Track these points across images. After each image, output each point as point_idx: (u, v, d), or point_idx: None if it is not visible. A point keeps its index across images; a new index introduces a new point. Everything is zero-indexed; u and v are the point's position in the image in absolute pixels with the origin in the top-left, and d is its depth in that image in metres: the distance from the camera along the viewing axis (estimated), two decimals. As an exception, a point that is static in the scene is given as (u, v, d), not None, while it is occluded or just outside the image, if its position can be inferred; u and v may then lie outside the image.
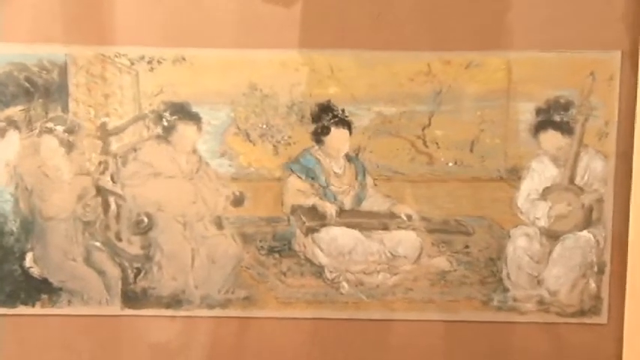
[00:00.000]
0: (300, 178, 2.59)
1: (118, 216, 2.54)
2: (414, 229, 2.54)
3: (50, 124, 2.49)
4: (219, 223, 2.54)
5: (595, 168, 2.47)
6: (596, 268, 2.50)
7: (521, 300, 2.55)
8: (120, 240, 2.55)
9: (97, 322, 2.56)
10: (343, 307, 2.56)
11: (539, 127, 2.51)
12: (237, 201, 2.54)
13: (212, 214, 2.53)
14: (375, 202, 2.62)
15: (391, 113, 2.57)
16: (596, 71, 2.42)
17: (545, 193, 2.54)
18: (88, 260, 2.55)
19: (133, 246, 2.55)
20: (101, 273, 2.56)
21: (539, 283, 2.55)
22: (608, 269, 2.49)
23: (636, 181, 2.39)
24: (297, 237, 2.55)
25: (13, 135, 2.46)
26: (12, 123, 2.54)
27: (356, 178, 2.62)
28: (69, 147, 2.52)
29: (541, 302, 2.55)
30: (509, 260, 2.54)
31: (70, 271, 2.55)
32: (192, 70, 2.56)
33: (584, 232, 2.50)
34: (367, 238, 2.55)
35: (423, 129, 2.58)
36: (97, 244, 2.55)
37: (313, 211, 2.55)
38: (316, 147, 2.61)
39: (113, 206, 2.54)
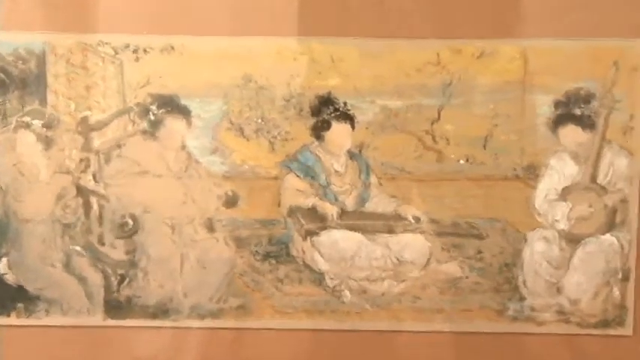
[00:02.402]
0: (298, 176, 2.55)
1: (100, 218, 2.55)
2: (422, 232, 2.53)
3: (27, 119, 2.49)
4: (210, 226, 2.55)
5: (619, 165, 2.47)
6: (620, 275, 2.50)
7: (539, 309, 2.55)
8: (102, 244, 2.56)
9: (78, 333, 2.56)
10: (345, 317, 2.56)
11: (558, 122, 2.50)
12: (230, 202, 2.54)
13: (203, 215, 2.53)
14: (379, 202, 2.58)
15: (397, 107, 2.53)
16: (619, 60, 2.42)
17: (565, 193, 2.54)
18: (67, 266, 2.55)
19: (116, 251, 2.55)
20: (82, 280, 2.56)
21: (559, 290, 2.54)
22: (633, 276, 2.48)
23: (664, 179, 2.44)
24: (295, 241, 2.55)
25: (-15, 130, 2.37)
26: (-15, 117, 2.59)
27: (359, 177, 2.58)
28: (47, 143, 2.51)
29: (560, 312, 2.54)
30: (526, 266, 2.54)
31: (48, 278, 2.55)
32: (181, 59, 2.52)
33: (607, 236, 2.50)
34: (371, 241, 2.55)
35: (432, 124, 2.54)
36: (78, 248, 2.55)
37: (313, 213, 2.55)
38: (316, 143, 2.56)
39: (95, 207, 2.54)
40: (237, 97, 2.52)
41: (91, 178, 2.53)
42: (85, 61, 2.52)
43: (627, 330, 2.50)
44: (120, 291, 2.57)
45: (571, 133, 2.51)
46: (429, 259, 2.55)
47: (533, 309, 2.55)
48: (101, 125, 2.55)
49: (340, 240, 2.54)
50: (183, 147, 2.52)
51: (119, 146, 2.53)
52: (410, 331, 2.55)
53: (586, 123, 2.49)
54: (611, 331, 2.50)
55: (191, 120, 2.51)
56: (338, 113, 2.51)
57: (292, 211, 2.55)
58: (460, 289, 2.56)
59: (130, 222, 2.54)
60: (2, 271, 2.53)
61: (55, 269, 2.55)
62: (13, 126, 2.48)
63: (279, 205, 2.55)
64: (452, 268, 2.56)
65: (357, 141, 2.55)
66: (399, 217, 2.55)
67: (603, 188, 2.50)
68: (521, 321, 2.54)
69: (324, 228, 2.54)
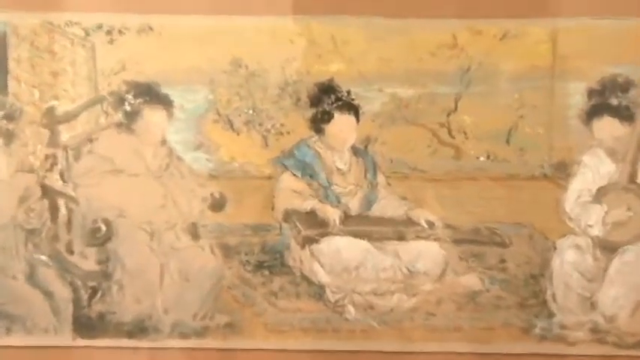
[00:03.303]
0: (295, 175, 2.52)
1: (68, 223, 2.51)
2: (436, 239, 2.50)
3: (-16, 109, 2.49)
4: (194, 232, 2.52)
5: (662, 163, 2.47)
6: (662, 288, 2.43)
7: (571, 327, 2.48)
8: (71, 253, 2.52)
9: (44, 354, 2.52)
10: (349, 337, 2.49)
11: (592, 113, 2.47)
12: (217, 204, 2.51)
13: (185, 220, 2.52)
14: (388, 205, 2.55)
15: (408, 95, 2.49)
16: (663, 43, 2.44)
17: (600, 195, 2.49)
18: (31, 278, 2.51)
19: (87, 260, 2.51)
20: (48, 294, 2.51)
21: (593, 306, 2.47)
22: (677, 289, 2.43)
23: None
24: (292, 249, 2.52)
25: (-63, 123, 2.49)
26: None
27: (364, 177, 2.55)
28: (8, 137, 2.49)
29: (595, 330, 2.47)
30: (556, 278, 2.47)
31: (10, 292, 2.50)
32: (160, 42, 2.49)
33: (648, 244, 2.44)
34: (379, 250, 2.49)
35: (448, 115, 2.49)
36: (43, 257, 2.52)
37: (311, 217, 2.51)
38: (315, 137, 2.53)
39: (63, 211, 2.51)
40: (225, 84, 2.50)
41: (58, 177, 2.49)
42: (52, 43, 2.49)
43: (670, 351, 2.44)
44: (91, 306, 2.51)
45: (607, 126, 2.47)
46: (444, 270, 2.49)
47: (563, 327, 2.47)
48: (70, 117, 2.51)
49: (343, 248, 2.48)
50: (164, 142, 2.51)
51: (90, 141, 2.49)
52: (423, 352, 2.49)
53: (624, 114, 2.45)
54: (652, 352, 2.44)
55: (172, 111, 2.49)
56: (340, 103, 2.47)
57: (288, 215, 2.50)
58: (480, 305, 2.49)
59: (103, 227, 2.49)
60: (-44, 285, 2.49)
61: (17, 282, 2.50)
62: (-32, 118, 2.48)
63: (272, 208, 2.51)
64: (471, 281, 2.50)
65: (363, 135, 2.53)
66: (410, 222, 2.50)
67: (643, 189, 2.47)
68: (550, 341, 2.47)
69: (325, 234, 2.48)
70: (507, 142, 2.48)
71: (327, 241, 2.49)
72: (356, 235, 2.50)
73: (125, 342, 2.51)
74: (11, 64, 2.47)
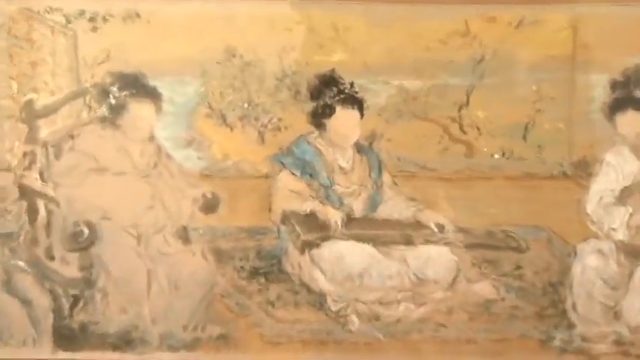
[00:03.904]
0: (293, 174, 2.48)
1: (48, 226, 2.46)
2: (447, 244, 2.47)
3: (-43, 103, 2.48)
4: (184, 236, 2.48)
5: (691, 161, 2.46)
6: (692, 297, 2.45)
7: (593, 339, 2.45)
8: (51, 258, 2.47)
9: None
10: (352, 349, 2.48)
11: (616, 107, 2.43)
12: (209, 206, 2.47)
13: (175, 223, 2.48)
14: (394, 207, 2.51)
15: (416, 88, 2.47)
16: (693, 31, 2.42)
17: (625, 196, 2.45)
18: (8, 286, 2.49)
19: (68, 266, 2.46)
20: (26, 303, 2.49)
21: (616, 316, 2.45)
22: None
23: None
24: (290, 254, 2.48)
25: None
26: None
27: (369, 176, 2.51)
28: None
29: (619, 342, 2.45)
30: (576, 286, 2.44)
31: None
32: (148, 30, 2.46)
33: (677, 249, 2.46)
34: (384, 255, 2.47)
35: (460, 109, 2.47)
36: (21, 263, 2.48)
37: (311, 220, 2.47)
38: (316, 133, 2.49)
39: (42, 213, 2.46)
40: (218, 75, 2.48)
41: (37, 176, 2.44)
42: (31, 31, 2.45)
43: (700, 364, 2.44)
44: (73, 316, 2.47)
45: (631, 121, 2.43)
46: (455, 278, 2.47)
47: (585, 339, 2.43)
48: (50, 111, 2.48)
49: (346, 253, 2.45)
50: (152, 138, 2.47)
51: (72, 137, 2.45)
52: (432, 367, 2.46)
53: (650, 109, 2.46)
54: (681, 366, 2.44)
55: (161, 104, 2.45)
56: (343, 96, 2.44)
57: (286, 218, 2.47)
58: (495, 315, 2.47)
59: (85, 231, 2.42)
60: None
61: (-8, 290, 2.47)
62: (-61, 112, 2.49)
63: (269, 210, 2.47)
64: (484, 289, 2.48)
65: (367, 131, 2.50)
66: (418, 225, 2.48)
67: (672, 189, 2.46)
68: (570, 353, 2.44)
69: (326, 238, 2.46)
70: (524, 138, 2.47)
71: (328, 245, 2.48)
72: (360, 239, 2.47)
73: (110, 355, 2.50)
74: (-14, 55, 2.44)
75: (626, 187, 2.45)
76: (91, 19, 2.42)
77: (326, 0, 2.42)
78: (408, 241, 2.48)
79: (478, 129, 2.45)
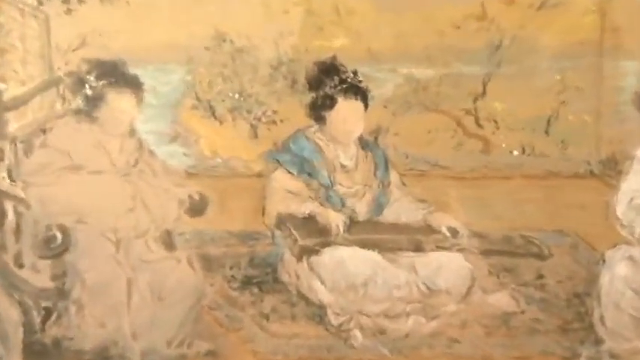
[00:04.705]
0: (290, 173, 2.40)
1: (17, 230, 2.36)
2: (460, 250, 2.39)
3: None
4: (168, 241, 2.39)
5: None
6: None
7: (623, 356, 2.35)
8: (21, 266, 2.37)
9: None
10: None
11: None
12: (197, 208, 2.38)
13: (159, 227, 2.38)
14: (402, 209, 2.44)
15: (426, 77, 2.45)
16: None
17: None
18: None
19: (39, 275, 2.36)
20: None
21: None
22: None
23: None
24: (286, 262, 2.41)
25: None
26: None
27: (374, 174, 2.44)
28: None
29: None
30: (604, 296, 2.34)
31: None
32: (129, 12, 2.43)
33: None
34: (391, 263, 2.39)
35: (475, 100, 2.45)
36: None
37: (310, 224, 2.40)
38: (315, 127, 2.42)
39: (11, 216, 2.36)
40: (206, 63, 2.47)
41: (5, 175, 2.35)
42: None
43: None
44: (45, 331, 2.37)
45: None
46: (470, 288, 2.40)
47: (613, 355, 2.35)
48: (19, 102, 2.43)
49: (348, 261, 2.38)
50: (132, 133, 2.39)
51: (43, 132, 2.38)
52: (445, 386, 2.43)
53: (685, 99, 2.49)
54: None
55: (142, 95, 2.38)
56: (345, 86, 2.37)
57: (282, 221, 2.40)
58: (514, 329, 2.39)
59: (59, 236, 2.33)
60: None
61: (-46, 301, 2.41)
62: None
63: (263, 212, 2.40)
64: (502, 300, 2.41)
65: (372, 124, 2.46)
66: (429, 230, 2.42)
67: None
68: None
69: (327, 244, 2.39)
70: (546, 132, 2.45)
71: (329, 252, 2.40)
72: (364, 244, 2.42)
73: (86, 373, 2.42)
74: (-53, 40, 2.43)
75: (660, 187, 2.41)
76: (65, 1, 2.39)
77: (326, -21, 2.38)
78: (418, 247, 2.42)
79: (495, 122, 2.43)
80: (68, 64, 2.37)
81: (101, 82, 2.37)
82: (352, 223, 2.49)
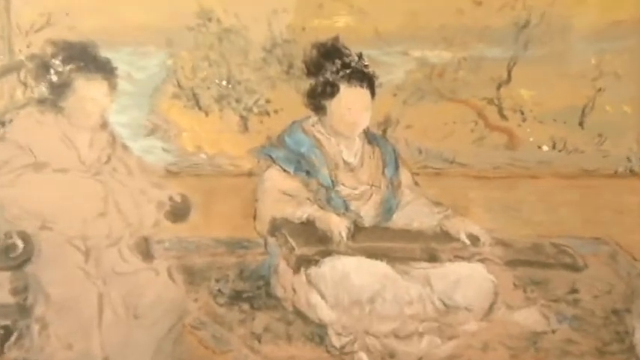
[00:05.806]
0: (285, 171, 2.28)
1: None
2: (482, 260, 2.25)
3: None
4: (145, 250, 2.28)
5: None
6: None
7: None
8: None
9: None
10: None
11: None
12: (178, 212, 2.28)
13: (134, 233, 2.28)
14: (415, 213, 2.33)
15: (443, 61, 2.31)
16: None
17: None
18: None
19: None
20: None
21: None
22: None
23: None
24: (281, 274, 2.28)
25: None
26: None
27: (382, 173, 2.33)
28: None
29: None
30: None
31: None
32: None
33: None
34: (402, 275, 2.25)
35: (499, 87, 2.30)
36: None
37: (308, 230, 2.27)
38: (314, 118, 2.29)
39: None
40: (190, 45, 2.34)
41: None
42: None
43: None
44: (4, 353, 2.27)
45: None
46: (493, 304, 2.27)
47: None
48: None
49: (353, 273, 2.27)
50: (104, 125, 2.31)
51: (2, 124, 2.29)
52: (464, 416, 2.35)
53: None
54: None
55: (115, 82, 2.29)
56: (349, 71, 2.27)
57: (276, 227, 2.29)
58: (543, 351, 2.27)
59: (20, 244, 2.24)
60: None
61: None
62: None
63: (254, 217, 2.27)
64: (530, 318, 2.31)
65: (380, 115, 2.33)
66: (446, 237, 2.31)
67: None
68: None
69: (328, 254, 2.27)
70: (581, 125, 2.31)
71: (330, 262, 2.29)
72: (370, 254, 2.31)
73: (50, 402, 2.33)
74: None
75: None
76: (27, -27, 2.28)
77: (328, -52, 2.26)
78: (432, 257, 2.32)
79: (522, 113, 2.30)
80: (30, 46, 2.26)
81: (68, 67, 2.28)
82: (357, 230, 2.35)
